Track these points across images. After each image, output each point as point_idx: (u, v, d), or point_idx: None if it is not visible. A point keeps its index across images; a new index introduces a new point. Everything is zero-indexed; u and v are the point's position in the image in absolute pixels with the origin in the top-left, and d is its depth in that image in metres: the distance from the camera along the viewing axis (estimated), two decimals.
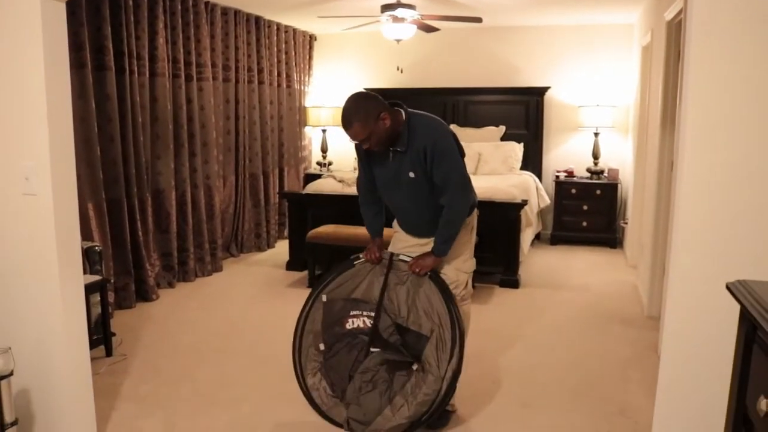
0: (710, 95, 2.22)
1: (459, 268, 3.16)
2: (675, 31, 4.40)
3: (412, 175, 2.95)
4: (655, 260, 4.82)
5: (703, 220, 2.26)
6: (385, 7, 5.37)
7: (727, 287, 1.36)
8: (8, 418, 2.58)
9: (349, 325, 3.11)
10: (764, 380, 1.20)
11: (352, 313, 3.12)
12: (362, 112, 2.82)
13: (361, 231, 4.65)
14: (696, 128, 2.25)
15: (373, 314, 3.06)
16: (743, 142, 2.21)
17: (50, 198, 2.67)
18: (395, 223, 3.34)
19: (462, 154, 3.06)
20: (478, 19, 5.59)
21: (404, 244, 3.25)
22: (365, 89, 8.04)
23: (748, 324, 1.25)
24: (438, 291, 3.01)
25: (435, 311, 2.98)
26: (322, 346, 3.13)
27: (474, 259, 3.30)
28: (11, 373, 2.57)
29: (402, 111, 2.96)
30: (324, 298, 3.17)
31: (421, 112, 3.04)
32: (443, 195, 2.96)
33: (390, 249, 3.27)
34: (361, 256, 3.20)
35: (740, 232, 2.22)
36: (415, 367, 2.93)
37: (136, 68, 5.14)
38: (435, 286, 3.02)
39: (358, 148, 3.07)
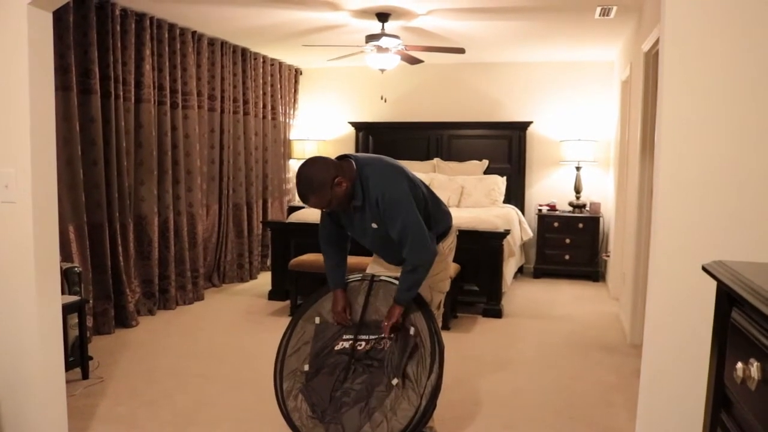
0: (685, 93, 2.29)
1: (434, 287, 3.17)
2: (653, 62, 4.50)
3: (374, 225, 2.94)
4: (637, 289, 4.83)
5: (681, 215, 2.31)
6: (370, 37, 5.46)
7: (704, 268, 1.37)
8: None
9: (338, 347, 3.09)
10: (740, 351, 1.21)
11: (345, 336, 3.09)
12: (316, 184, 2.74)
13: None
14: (671, 126, 2.31)
15: (363, 336, 3.04)
16: (716, 141, 2.27)
17: (29, 206, 2.65)
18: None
19: (423, 193, 3.03)
20: (461, 50, 5.69)
21: (383, 268, 3.25)
22: (350, 123, 8.16)
23: (725, 298, 1.26)
24: (418, 308, 3.01)
25: (416, 328, 2.97)
26: (306, 368, 3.08)
27: (449, 280, 3.30)
28: None
29: (353, 163, 2.88)
30: (317, 320, 3.15)
31: (372, 158, 2.97)
32: (402, 249, 2.91)
33: (369, 270, 3.27)
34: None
35: (717, 229, 2.27)
36: (395, 382, 2.90)
37: (121, 93, 5.16)
38: (415, 303, 3.02)
39: None
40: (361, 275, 3.20)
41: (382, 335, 2.99)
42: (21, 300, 2.70)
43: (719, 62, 2.25)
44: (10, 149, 2.65)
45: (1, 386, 2.76)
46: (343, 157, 2.93)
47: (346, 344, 3.07)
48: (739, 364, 1.16)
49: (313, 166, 2.79)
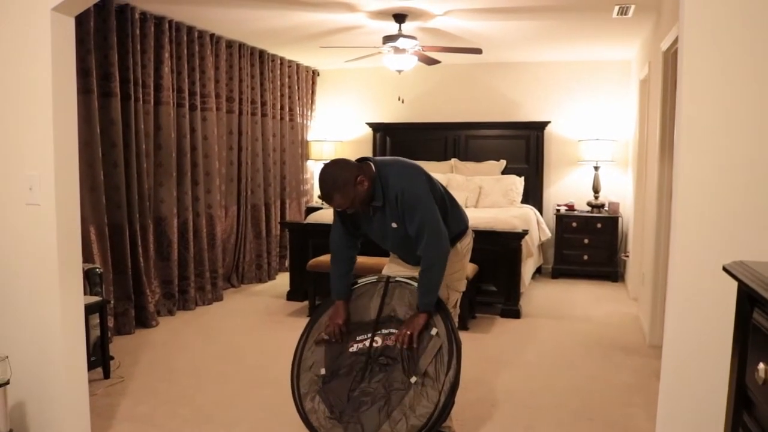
0: (704, 92, 2.28)
1: (450, 286, 3.18)
2: (672, 61, 4.47)
3: (394, 225, 2.97)
4: (656, 290, 4.80)
5: (700, 215, 2.29)
6: (387, 38, 5.47)
7: (724, 268, 1.36)
8: (3, 427, 2.56)
9: (353, 349, 3.10)
10: (761, 351, 1.20)
11: (359, 338, 3.10)
12: (339, 182, 2.79)
13: (362, 260, 4.64)
14: (690, 125, 2.29)
15: (381, 332, 3.06)
16: (736, 141, 2.25)
17: (53, 208, 2.69)
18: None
19: (440, 192, 3.06)
20: (478, 50, 5.68)
21: (400, 268, 3.26)
22: (367, 123, 8.18)
23: (745, 299, 1.26)
24: (435, 307, 3.02)
25: (438, 329, 2.98)
26: (322, 371, 3.10)
27: (465, 280, 3.31)
28: (8, 382, 2.56)
29: (372, 165, 2.93)
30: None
31: (390, 159, 3.03)
32: (418, 245, 2.94)
33: (385, 271, 3.29)
34: (359, 281, 3.22)
35: (737, 229, 2.25)
36: (413, 380, 2.91)
37: (141, 96, 5.22)
38: None
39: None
40: (376, 277, 3.22)
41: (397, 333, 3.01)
42: (44, 300, 2.74)
43: (739, 61, 2.23)
44: (34, 152, 2.70)
45: (26, 386, 2.81)
46: (362, 160, 2.98)
47: (360, 345, 3.08)
48: (761, 365, 1.16)
49: (336, 166, 2.86)
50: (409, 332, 2.93)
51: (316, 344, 3.14)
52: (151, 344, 4.81)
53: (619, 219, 7.23)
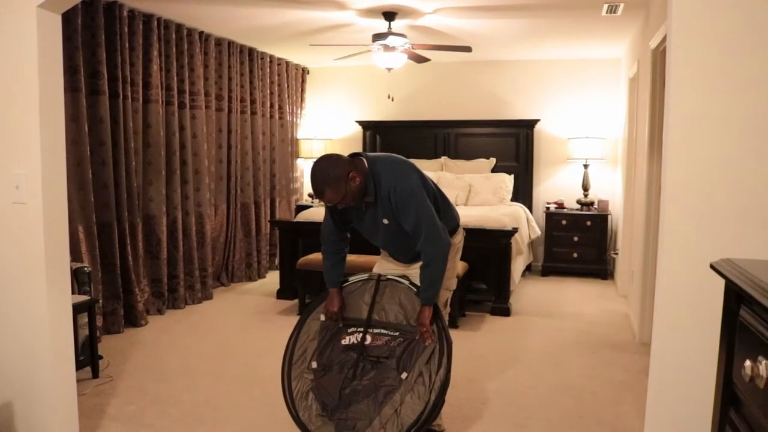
0: (693, 90, 2.28)
1: (441, 285, 3.17)
2: (660, 59, 4.49)
3: (386, 221, 2.98)
4: (645, 287, 4.82)
5: (689, 213, 2.30)
6: (377, 36, 5.47)
7: (711, 266, 1.37)
8: None
9: (345, 342, 3.10)
10: (748, 349, 1.21)
11: (350, 330, 3.11)
12: (331, 177, 2.78)
13: (352, 258, 4.64)
14: (679, 123, 2.30)
15: (373, 330, 3.06)
16: (724, 139, 2.26)
17: (40, 207, 2.67)
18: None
19: (432, 190, 3.07)
20: (468, 49, 5.69)
21: (391, 266, 3.27)
22: (357, 122, 8.18)
23: (732, 296, 1.26)
24: None
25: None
26: (314, 365, 3.10)
27: (456, 279, 3.32)
28: None
29: (364, 160, 2.93)
30: (322, 317, 3.18)
31: (382, 155, 3.04)
32: (417, 241, 2.94)
33: (376, 269, 3.29)
34: (349, 279, 3.23)
35: (725, 227, 2.26)
36: (404, 376, 2.91)
37: (129, 94, 5.19)
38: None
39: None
40: (367, 275, 3.22)
41: (391, 333, 3.02)
42: (32, 300, 2.72)
43: (727, 59, 2.24)
44: (20, 151, 2.67)
45: (14, 385, 2.79)
46: (354, 155, 2.97)
47: (353, 339, 3.08)
48: (748, 362, 1.16)
49: (328, 161, 2.85)
50: (424, 329, 2.93)
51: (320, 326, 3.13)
52: (141, 343, 4.79)
53: (609, 217, 7.26)
